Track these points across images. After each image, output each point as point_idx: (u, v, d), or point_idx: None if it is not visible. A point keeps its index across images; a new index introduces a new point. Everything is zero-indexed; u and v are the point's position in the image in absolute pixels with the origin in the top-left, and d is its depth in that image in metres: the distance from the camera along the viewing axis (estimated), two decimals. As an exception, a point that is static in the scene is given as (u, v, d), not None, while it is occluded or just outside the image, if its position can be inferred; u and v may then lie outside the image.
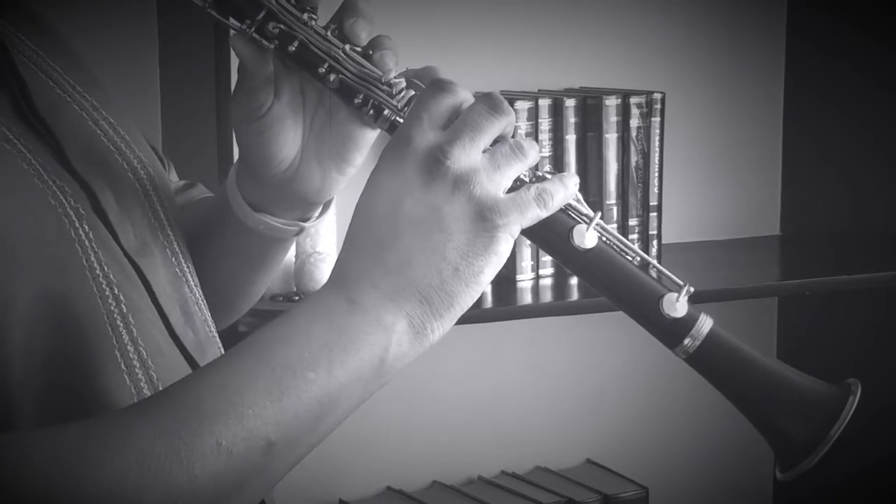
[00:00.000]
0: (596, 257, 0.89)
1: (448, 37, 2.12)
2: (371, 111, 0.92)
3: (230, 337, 1.04)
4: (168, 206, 1.02)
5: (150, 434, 0.77)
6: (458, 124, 0.85)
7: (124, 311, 0.89)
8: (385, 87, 0.92)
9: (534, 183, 0.87)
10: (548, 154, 2.02)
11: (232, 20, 0.93)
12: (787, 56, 2.35)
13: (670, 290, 0.89)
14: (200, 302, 1.01)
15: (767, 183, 2.38)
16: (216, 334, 1.02)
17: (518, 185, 0.87)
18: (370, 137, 1.00)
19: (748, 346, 0.90)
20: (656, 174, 2.09)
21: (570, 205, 0.89)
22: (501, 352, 2.24)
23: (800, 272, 2.17)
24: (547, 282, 2.03)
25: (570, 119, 2.03)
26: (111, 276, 0.89)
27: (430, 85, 0.88)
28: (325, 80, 0.92)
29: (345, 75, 0.92)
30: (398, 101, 0.92)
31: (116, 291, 0.89)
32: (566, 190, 0.88)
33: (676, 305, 0.89)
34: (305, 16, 0.93)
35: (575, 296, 2.00)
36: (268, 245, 1.08)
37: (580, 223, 0.89)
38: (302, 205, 1.04)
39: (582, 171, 2.05)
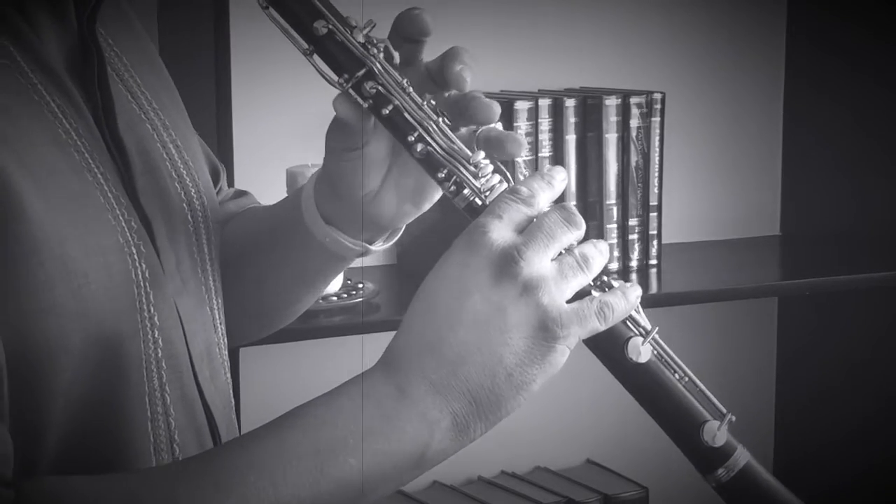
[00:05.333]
0: (647, 372, 0.89)
1: (448, 37, 2.11)
2: (453, 187, 0.91)
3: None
4: (213, 241, 1.02)
5: (192, 501, 0.78)
6: (533, 229, 0.85)
7: (160, 355, 0.90)
8: (471, 168, 0.91)
9: (597, 293, 0.87)
10: (548, 154, 2.01)
11: (329, 72, 0.92)
12: (787, 56, 2.35)
13: (712, 418, 0.90)
14: (222, 343, 1.01)
15: (767, 183, 2.38)
16: (229, 378, 1.02)
17: (581, 292, 0.86)
18: None
19: (780, 486, 0.90)
20: (656, 174, 2.09)
21: (630, 314, 0.89)
22: (501, 352, 2.24)
23: (800, 272, 2.17)
24: (547, 282, 2.02)
25: (570, 119, 2.03)
26: (155, 319, 0.89)
27: (512, 190, 0.88)
28: (412, 148, 0.92)
29: (433, 147, 0.91)
30: (481, 184, 0.91)
31: (157, 335, 0.89)
32: (627, 304, 0.87)
33: (717, 434, 0.90)
34: (405, 81, 0.92)
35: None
36: (328, 261, 1.07)
37: (636, 336, 0.89)
38: (372, 228, 1.03)
39: (582, 171, 2.04)
